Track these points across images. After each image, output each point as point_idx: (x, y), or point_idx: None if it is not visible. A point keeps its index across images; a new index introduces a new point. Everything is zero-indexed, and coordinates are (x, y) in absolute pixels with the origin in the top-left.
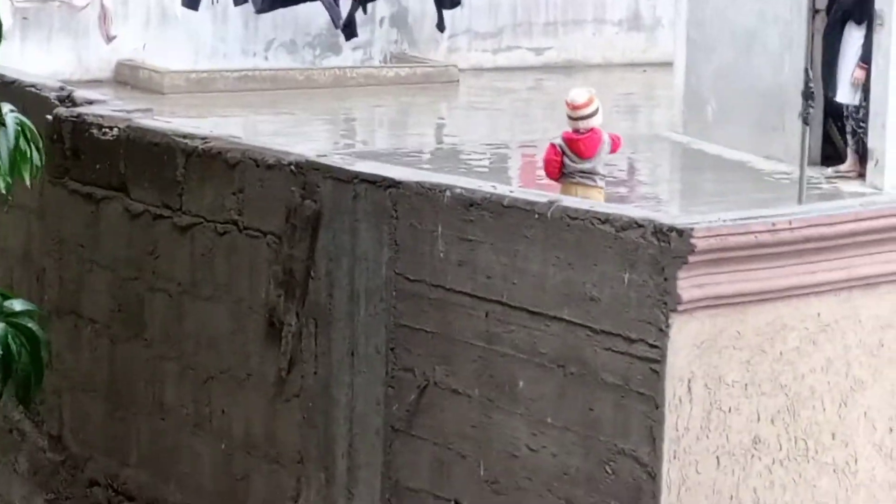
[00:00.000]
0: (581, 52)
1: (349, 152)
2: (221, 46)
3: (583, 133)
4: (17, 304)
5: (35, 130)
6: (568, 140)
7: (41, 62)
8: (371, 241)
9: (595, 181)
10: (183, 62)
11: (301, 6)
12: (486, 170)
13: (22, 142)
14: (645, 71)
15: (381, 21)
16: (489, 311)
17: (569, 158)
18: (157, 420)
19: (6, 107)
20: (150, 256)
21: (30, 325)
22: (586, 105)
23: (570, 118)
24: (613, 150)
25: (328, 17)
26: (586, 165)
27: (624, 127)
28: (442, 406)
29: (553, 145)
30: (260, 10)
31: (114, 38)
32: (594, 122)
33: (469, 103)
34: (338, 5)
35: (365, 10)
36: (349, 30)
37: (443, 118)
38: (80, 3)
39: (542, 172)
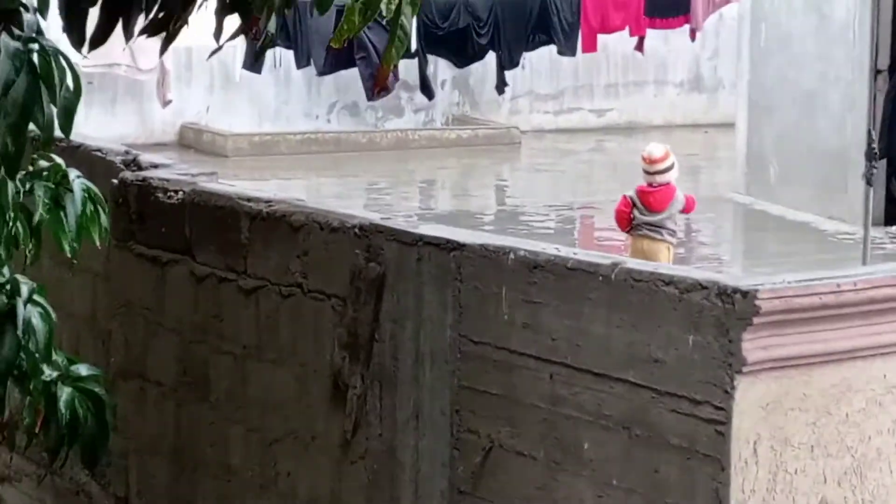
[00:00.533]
0: (642, 114)
1: (413, 214)
2: (284, 109)
3: (656, 187)
4: (83, 369)
5: (100, 195)
6: (640, 192)
7: (106, 126)
8: (435, 303)
9: (664, 235)
10: (246, 125)
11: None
12: (550, 231)
13: (89, 206)
14: (706, 132)
15: (443, 83)
16: (554, 374)
17: (639, 210)
18: (223, 483)
19: (73, 172)
20: (215, 319)
21: (95, 389)
22: (662, 160)
23: (646, 172)
24: (687, 209)
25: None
26: (655, 219)
27: (686, 188)
28: (507, 468)
29: (625, 197)
30: (321, 73)
31: (170, 101)
32: (669, 177)
33: (531, 165)
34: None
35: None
36: (427, 91)
37: (504, 180)
38: (146, 66)
39: (604, 233)
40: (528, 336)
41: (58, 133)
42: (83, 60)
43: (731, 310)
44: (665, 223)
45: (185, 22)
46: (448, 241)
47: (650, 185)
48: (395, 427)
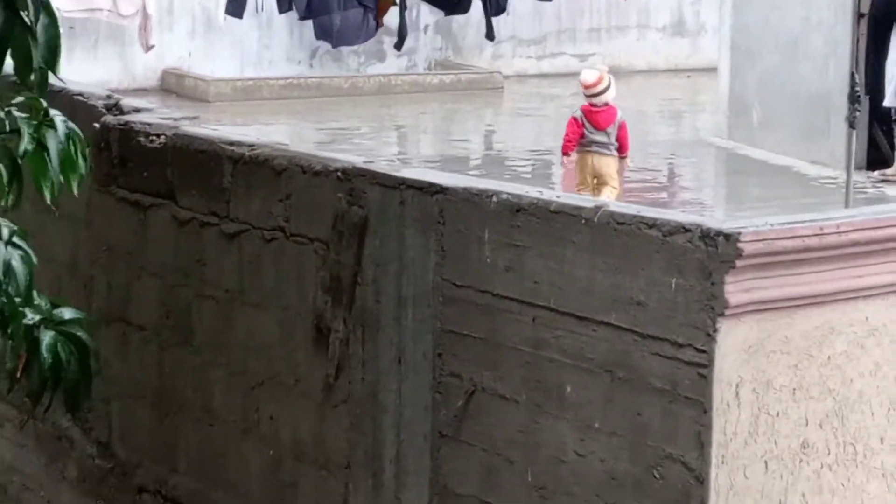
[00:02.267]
0: (625, 58)
1: (395, 159)
2: (266, 54)
3: (600, 107)
4: (67, 313)
5: (82, 138)
6: (587, 112)
7: (88, 71)
8: (418, 247)
9: (611, 150)
10: (228, 70)
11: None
12: (531, 176)
13: (71, 148)
14: (689, 76)
15: (426, 28)
16: (536, 317)
17: (587, 129)
18: (205, 426)
19: (54, 111)
20: (197, 263)
21: (79, 333)
22: (597, 83)
23: (585, 95)
24: (621, 134)
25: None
26: (602, 137)
27: (668, 132)
28: (489, 412)
29: (574, 118)
30: (303, 17)
31: (152, 46)
32: (607, 98)
33: (513, 110)
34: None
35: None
36: (400, 42)
37: (488, 125)
38: (127, 11)
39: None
40: (511, 279)
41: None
42: (64, 5)
43: (714, 252)
44: (610, 139)
45: None
46: (430, 184)
47: (593, 105)
48: (378, 371)
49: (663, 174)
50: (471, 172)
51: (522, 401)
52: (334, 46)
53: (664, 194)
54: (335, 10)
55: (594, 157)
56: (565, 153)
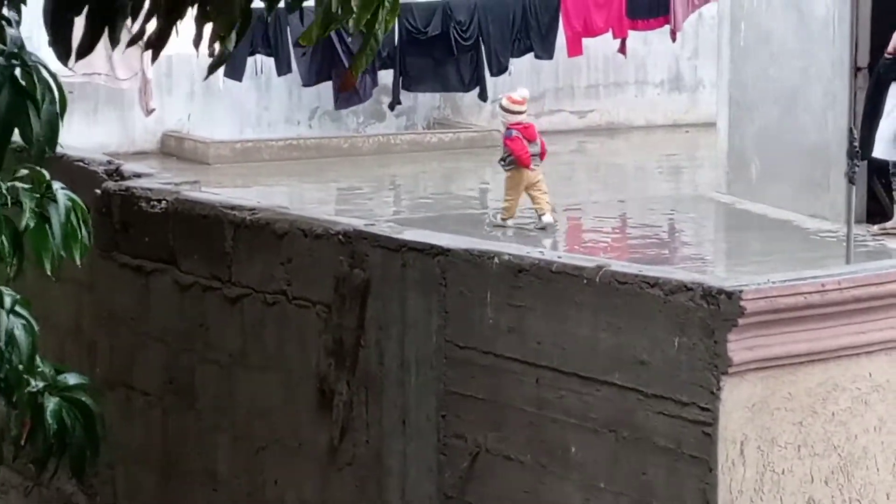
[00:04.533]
0: (623, 114)
1: (397, 219)
2: (265, 115)
3: (527, 123)
4: (71, 378)
5: (85, 208)
6: (522, 129)
7: (87, 135)
8: (420, 308)
9: (539, 160)
10: (228, 132)
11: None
12: (533, 234)
13: (73, 218)
14: (688, 131)
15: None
16: (540, 377)
17: (527, 144)
18: (209, 491)
19: (57, 184)
20: (200, 328)
21: (83, 398)
22: (525, 102)
23: (517, 112)
24: (542, 143)
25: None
26: (534, 148)
27: (668, 187)
28: (494, 472)
29: (515, 137)
30: (307, 84)
31: (153, 110)
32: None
33: None
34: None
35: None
36: (393, 102)
37: (487, 183)
38: (124, 75)
39: (587, 235)
40: (514, 340)
41: None
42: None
43: (717, 311)
44: (537, 150)
45: (171, 29)
46: (432, 246)
47: (521, 123)
48: (382, 433)
49: (663, 230)
50: (472, 231)
51: (527, 461)
52: (336, 108)
53: (665, 250)
54: (337, 73)
55: (532, 173)
56: (528, 167)
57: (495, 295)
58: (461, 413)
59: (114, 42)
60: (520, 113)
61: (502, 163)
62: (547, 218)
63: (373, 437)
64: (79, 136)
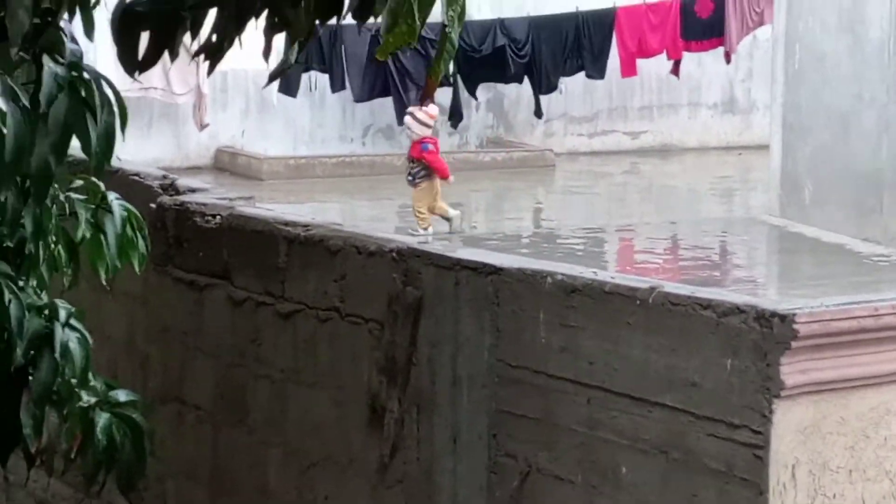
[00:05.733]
0: (676, 136)
1: (449, 236)
2: (319, 132)
3: (435, 138)
4: (122, 395)
5: (140, 218)
6: (434, 143)
7: (142, 149)
8: (473, 327)
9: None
10: (281, 148)
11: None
12: (583, 254)
13: (128, 229)
14: (741, 154)
15: (478, 106)
16: (591, 397)
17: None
18: None
19: (112, 195)
20: (252, 343)
21: (133, 415)
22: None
23: (430, 125)
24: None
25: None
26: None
27: (720, 210)
28: (545, 492)
29: (435, 149)
30: (359, 100)
31: (206, 125)
32: None
33: (565, 187)
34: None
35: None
36: (455, 117)
37: (540, 203)
38: (180, 90)
39: (640, 256)
40: (566, 360)
41: None
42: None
43: (769, 334)
44: None
45: (234, 42)
46: (485, 265)
47: (432, 137)
48: (433, 451)
49: (715, 252)
50: (523, 251)
51: (578, 482)
52: (400, 125)
53: (717, 272)
54: (393, 91)
55: (438, 180)
56: (448, 177)
57: (547, 314)
58: (512, 432)
59: (173, 55)
60: (431, 127)
61: (411, 178)
62: (454, 212)
63: (423, 454)
64: (133, 151)
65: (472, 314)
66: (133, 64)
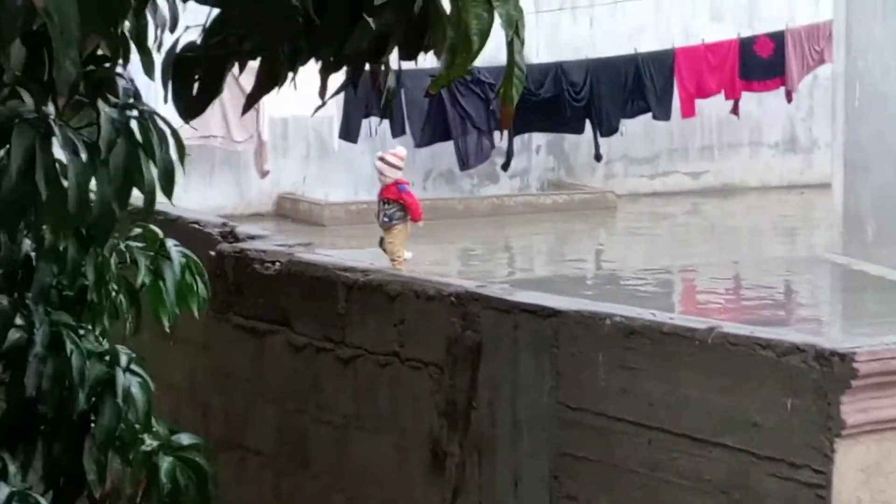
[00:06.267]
0: (738, 175)
1: (510, 280)
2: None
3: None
4: (185, 439)
5: (199, 263)
6: (406, 183)
7: (204, 197)
8: (532, 370)
9: None
10: (343, 194)
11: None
12: (648, 295)
13: (187, 275)
14: (803, 193)
15: (538, 149)
16: (652, 439)
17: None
18: None
19: (171, 242)
20: (313, 389)
21: (197, 458)
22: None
23: (400, 168)
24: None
25: (486, 146)
26: None
27: (783, 249)
28: None
29: (410, 190)
30: (419, 145)
31: (267, 172)
32: None
33: (627, 229)
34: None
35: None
36: (507, 163)
37: (601, 244)
38: (240, 137)
39: (702, 297)
40: (626, 401)
41: (162, 197)
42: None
43: (830, 373)
44: None
45: (284, 84)
46: (544, 307)
47: (402, 178)
48: (495, 495)
49: (778, 291)
50: (586, 293)
51: None
52: (461, 169)
53: (780, 311)
54: (454, 135)
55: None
56: (420, 219)
57: (607, 356)
58: (573, 474)
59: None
60: (401, 169)
61: (387, 219)
62: (409, 254)
63: (486, 498)
64: (196, 199)
65: (532, 357)
66: (187, 110)
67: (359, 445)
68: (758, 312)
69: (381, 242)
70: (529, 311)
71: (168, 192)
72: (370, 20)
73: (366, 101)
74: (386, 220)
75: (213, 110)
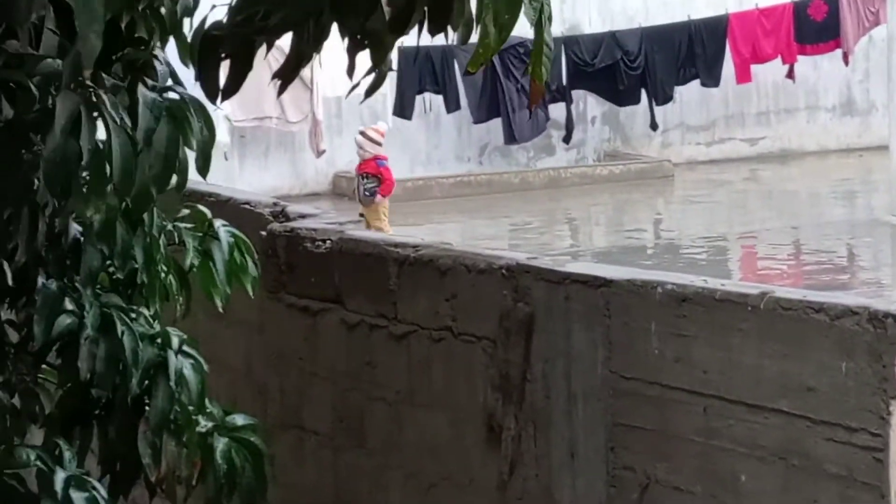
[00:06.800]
0: (795, 140)
1: (570, 252)
2: (435, 153)
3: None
4: (239, 419)
5: (248, 242)
6: (386, 159)
7: (259, 179)
8: (585, 341)
9: None
10: (398, 170)
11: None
12: (706, 263)
13: (237, 254)
14: (861, 156)
15: (593, 120)
16: (707, 406)
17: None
18: None
19: (219, 222)
20: (367, 366)
21: (252, 438)
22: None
23: (381, 143)
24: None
25: (541, 118)
26: None
27: (842, 213)
28: (665, 503)
29: (388, 166)
30: (477, 121)
31: (323, 151)
32: None
33: (684, 197)
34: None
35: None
36: (568, 136)
37: (659, 213)
38: (294, 118)
39: (762, 263)
40: (680, 369)
41: (196, 176)
42: (235, 114)
43: (883, 335)
44: None
45: (311, 61)
46: (595, 277)
47: (382, 153)
48: (551, 467)
49: (838, 255)
50: (645, 262)
51: (698, 492)
52: (506, 143)
53: (841, 275)
54: (509, 110)
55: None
56: (390, 194)
57: (659, 325)
58: (629, 444)
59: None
60: (382, 144)
61: (367, 194)
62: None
63: (542, 471)
64: (251, 180)
65: (584, 328)
66: (215, 90)
67: (414, 422)
68: (817, 277)
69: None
70: (581, 281)
71: (204, 172)
72: None
73: (419, 78)
74: (367, 194)
75: (267, 91)
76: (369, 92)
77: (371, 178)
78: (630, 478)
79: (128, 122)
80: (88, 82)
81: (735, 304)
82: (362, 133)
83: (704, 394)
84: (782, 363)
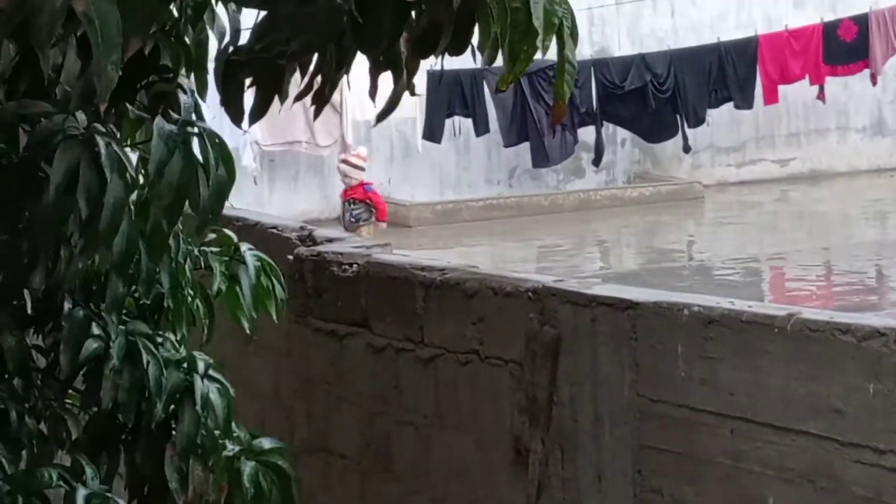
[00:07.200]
0: (826, 161)
1: (602, 274)
2: (465, 176)
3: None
4: (266, 443)
5: (275, 266)
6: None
7: (289, 203)
8: (612, 363)
9: None
10: (428, 194)
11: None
12: (738, 285)
13: (263, 278)
14: (892, 176)
15: (623, 142)
16: (734, 429)
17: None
18: None
19: (245, 246)
20: (394, 390)
21: (279, 462)
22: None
23: (363, 168)
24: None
25: (569, 141)
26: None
27: (873, 233)
28: None
29: (376, 191)
30: (508, 145)
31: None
32: None
33: (715, 219)
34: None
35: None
36: (598, 159)
37: (691, 235)
38: (324, 142)
39: (792, 284)
40: (707, 392)
41: (240, 203)
42: (264, 139)
43: None
44: None
45: (337, 85)
46: (621, 300)
47: (366, 178)
48: (579, 490)
49: (869, 276)
50: (678, 284)
51: None
52: (535, 166)
53: (871, 296)
54: (538, 133)
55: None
56: (385, 219)
57: (686, 347)
58: (656, 467)
59: (282, 98)
60: (364, 169)
61: (354, 220)
62: None
63: (569, 494)
64: (280, 205)
65: (611, 350)
66: (239, 114)
67: (441, 445)
68: (848, 298)
69: None
70: (607, 304)
71: (217, 213)
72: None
73: (448, 101)
74: (353, 220)
75: (297, 116)
76: (381, 116)
77: (358, 204)
78: (657, 501)
79: (131, 166)
80: (96, 125)
81: (762, 326)
82: (344, 161)
83: (731, 416)
84: (809, 385)
